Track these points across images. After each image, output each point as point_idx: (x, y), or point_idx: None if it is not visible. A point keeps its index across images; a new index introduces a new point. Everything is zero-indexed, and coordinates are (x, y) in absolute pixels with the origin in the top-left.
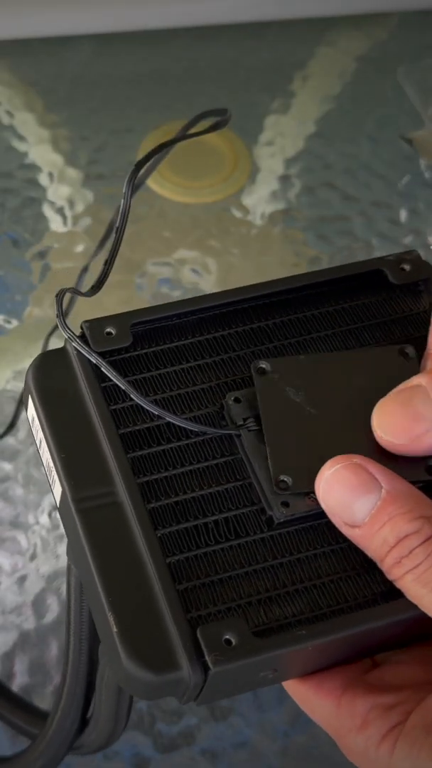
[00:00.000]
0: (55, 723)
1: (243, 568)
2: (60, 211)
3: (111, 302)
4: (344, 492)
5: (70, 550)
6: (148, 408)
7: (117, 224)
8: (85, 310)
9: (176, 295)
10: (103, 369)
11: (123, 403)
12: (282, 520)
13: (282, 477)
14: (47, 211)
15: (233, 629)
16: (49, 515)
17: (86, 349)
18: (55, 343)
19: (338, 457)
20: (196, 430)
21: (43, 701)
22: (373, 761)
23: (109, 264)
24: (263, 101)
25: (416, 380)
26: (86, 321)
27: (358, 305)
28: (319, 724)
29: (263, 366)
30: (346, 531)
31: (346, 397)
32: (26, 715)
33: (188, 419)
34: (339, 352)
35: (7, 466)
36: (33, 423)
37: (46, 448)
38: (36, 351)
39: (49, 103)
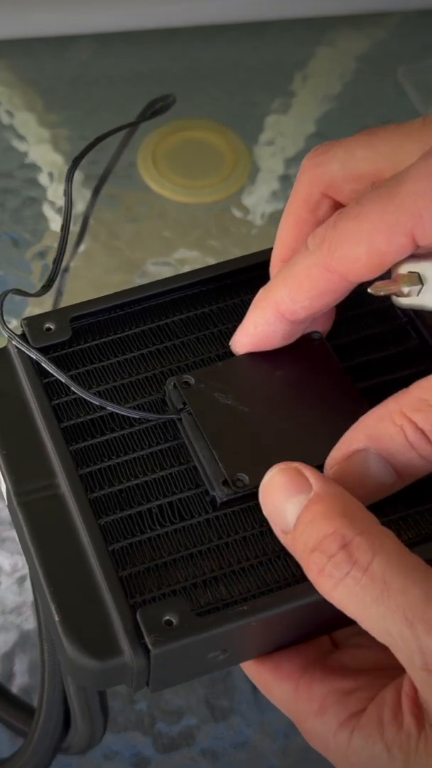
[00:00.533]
0: (39, 727)
1: (188, 550)
2: (60, 211)
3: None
4: (278, 495)
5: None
6: (88, 399)
7: (62, 222)
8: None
9: None
10: (42, 364)
11: (65, 397)
12: (225, 500)
13: (237, 475)
14: (47, 211)
15: (174, 610)
16: None
17: (25, 345)
18: None
19: (278, 464)
20: (137, 416)
21: None
22: (331, 747)
23: (57, 263)
24: (263, 101)
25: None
26: (25, 318)
27: None
28: (278, 707)
29: (186, 379)
30: (282, 539)
31: (270, 388)
32: (23, 716)
33: (130, 408)
34: None
35: None
36: None
37: None
38: None
39: (49, 103)
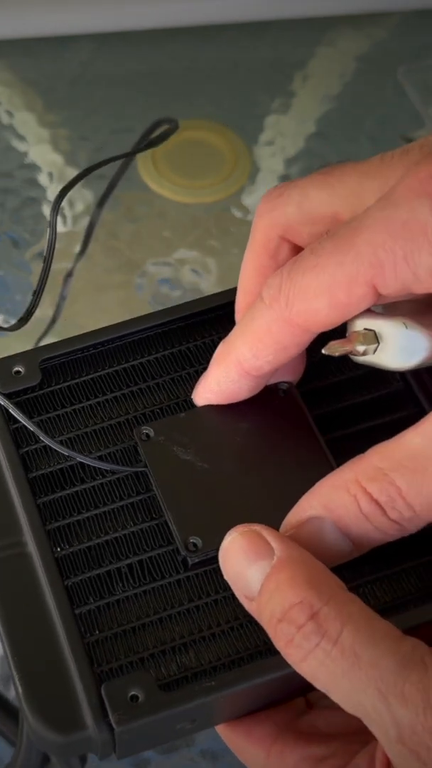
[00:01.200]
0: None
1: (157, 614)
2: (60, 211)
3: (110, 302)
4: (238, 559)
5: None
6: (57, 449)
7: (45, 253)
8: (86, 312)
9: (176, 295)
10: (10, 410)
11: (34, 445)
12: (196, 561)
13: (191, 539)
14: (47, 211)
15: (139, 684)
16: None
17: None
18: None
19: (238, 526)
20: (107, 468)
21: None
22: None
23: (37, 294)
24: (263, 101)
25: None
26: None
27: None
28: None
29: (146, 431)
30: (246, 605)
31: (233, 443)
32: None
33: (100, 457)
34: None
35: None
36: None
37: None
38: None
39: (49, 103)
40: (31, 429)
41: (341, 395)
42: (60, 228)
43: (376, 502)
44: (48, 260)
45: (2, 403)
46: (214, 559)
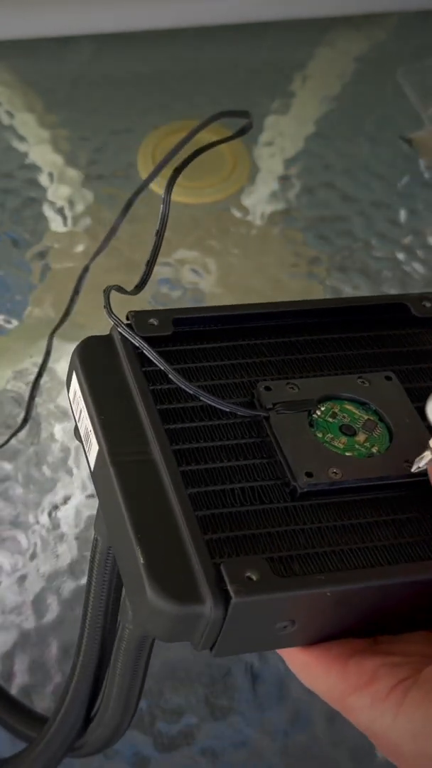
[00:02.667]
0: (57, 721)
1: (266, 529)
2: (60, 211)
3: (110, 302)
4: None
5: (100, 514)
6: (184, 387)
7: (158, 228)
8: (86, 311)
9: (176, 295)
10: (144, 351)
11: (161, 385)
12: (305, 490)
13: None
14: (47, 211)
15: (256, 568)
16: (49, 515)
17: (130, 333)
18: (58, 343)
19: None
20: (228, 409)
21: (43, 701)
22: (378, 716)
23: (150, 265)
24: (263, 101)
25: None
26: (132, 311)
27: (382, 335)
28: (318, 693)
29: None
30: None
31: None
32: (25, 718)
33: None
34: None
35: (7, 466)
36: (74, 398)
37: (86, 416)
38: (36, 351)
39: (49, 103)
40: (162, 368)
41: None
42: (60, 228)
43: None
44: (161, 234)
45: (137, 344)
46: (320, 494)
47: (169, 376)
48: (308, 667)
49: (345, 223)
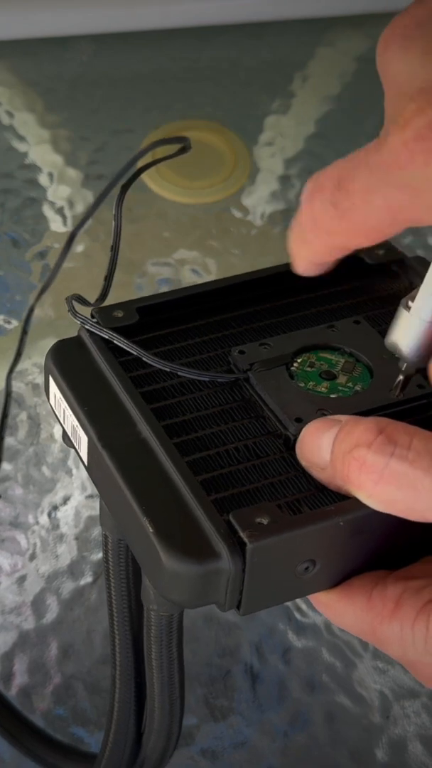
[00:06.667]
0: (110, 742)
1: (267, 480)
2: (60, 211)
3: (110, 302)
4: (312, 437)
5: (104, 507)
6: (160, 366)
7: (112, 243)
8: (86, 311)
9: None
10: (115, 341)
11: (139, 371)
12: (298, 435)
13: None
14: (47, 211)
15: (265, 512)
16: (49, 515)
17: (98, 327)
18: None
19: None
20: (207, 378)
21: (43, 701)
22: (409, 644)
23: (108, 279)
24: (263, 101)
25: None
26: (95, 308)
27: (342, 290)
28: (348, 629)
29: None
30: (320, 477)
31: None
32: (73, 758)
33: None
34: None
35: (7, 466)
36: (55, 401)
37: (70, 413)
38: (36, 351)
39: (49, 103)
40: (135, 353)
41: None
42: (60, 228)
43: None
44: (116, 249)
45: (107, 337)
46: None
47: (144, 359)
48: (333, 604)
49: None
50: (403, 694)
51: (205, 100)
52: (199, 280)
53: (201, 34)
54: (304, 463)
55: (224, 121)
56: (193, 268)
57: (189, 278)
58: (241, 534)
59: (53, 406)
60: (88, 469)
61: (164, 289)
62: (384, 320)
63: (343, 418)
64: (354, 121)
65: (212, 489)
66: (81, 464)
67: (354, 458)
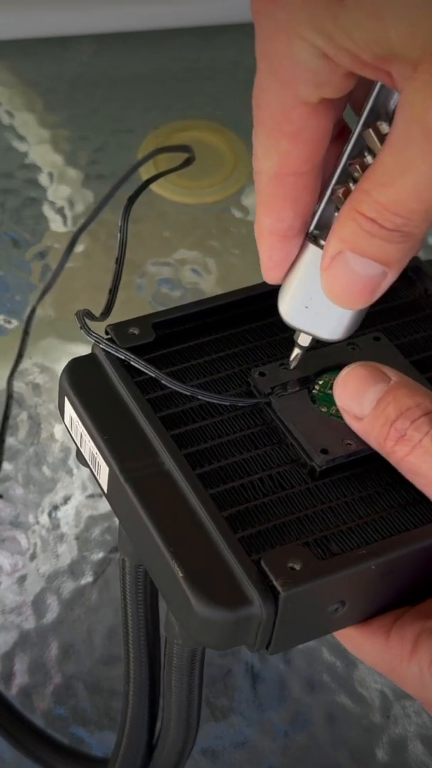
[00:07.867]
0: (122, 752)
1: (294, 514)
2: (60, 211)
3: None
4: (356, 384)
5: (123, 534)
6: (179, 389)
7: (117, 256)
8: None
9: (176, 295)
10: (132, 362)
11: (156, 393)
12: (324, 467)
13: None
14: (47, 211)
15: (296, 556)
16: (49, 515)
17: (113, 347)
18: (58, 343)
19: (357, 362)
20: (228, 403)
21: (43, 701)
22: (429, 685)
23: (113, 292)
24: None
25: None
26: (110, 324)
27: None
28: (368, 664)
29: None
30: (353, 425)
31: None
32: (83, 763)
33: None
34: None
35: (7, 466)
36: (71, 423)
37: (89, 439)
38: (36, 351)
39: (49, 103)
40: (153, 375)
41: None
42: (60, 228)
43: (371, 219)
44: (121, 261)
45: (123, 357)
46: (339, 468)
47: (162, 381)
48: (354, 640)
49: None
50: (404, 694)
51: (205, 100)
52: (200, 280)
53: (201, 34)
54: (339, 404)
55: (224, 121)
56: (193, 268)
57: (189, 278)
58: (274, 582)
59: (68, 426)
60: (107, 495)
61: (164, 289)
62: (405, 331)
63: (390, 373)
64: (354, 121)
65: (239, 525)
66: (81, 465)
67: (396, 429)
